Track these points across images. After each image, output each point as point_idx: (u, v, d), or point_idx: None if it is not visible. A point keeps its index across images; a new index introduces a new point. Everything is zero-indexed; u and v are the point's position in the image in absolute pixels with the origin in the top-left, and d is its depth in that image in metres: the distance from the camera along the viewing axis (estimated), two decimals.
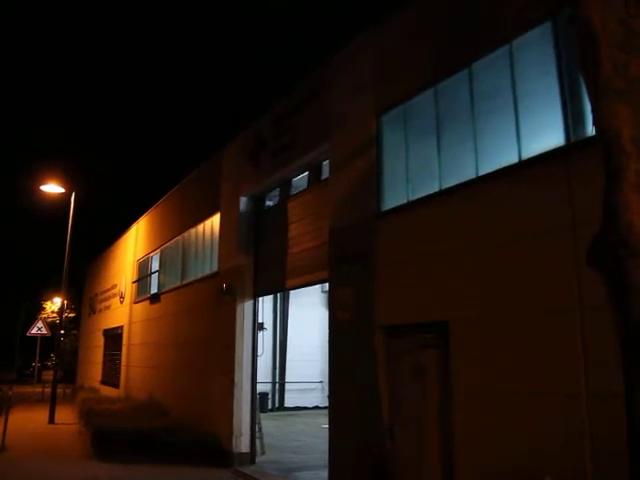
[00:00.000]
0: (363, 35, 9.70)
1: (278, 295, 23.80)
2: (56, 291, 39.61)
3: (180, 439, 12.91)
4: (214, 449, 12.59)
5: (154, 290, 19.74)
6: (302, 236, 11.48)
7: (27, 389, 29.66)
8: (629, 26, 3.31)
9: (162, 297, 18.71)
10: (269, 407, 22.31)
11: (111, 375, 24.56)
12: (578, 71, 5.31)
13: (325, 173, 10.72)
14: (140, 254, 22.28)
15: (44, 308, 46.19)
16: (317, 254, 10.67)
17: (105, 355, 26.57)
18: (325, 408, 10.99)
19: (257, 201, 13.54)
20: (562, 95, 6.09)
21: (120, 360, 22.91)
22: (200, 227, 16.17)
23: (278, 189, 12.77)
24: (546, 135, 6.28)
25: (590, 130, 5.56)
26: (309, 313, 22.94)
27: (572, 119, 5.97)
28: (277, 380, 23.36)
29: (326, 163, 10.52)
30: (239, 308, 13.00)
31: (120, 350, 23.05)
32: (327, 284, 10.22)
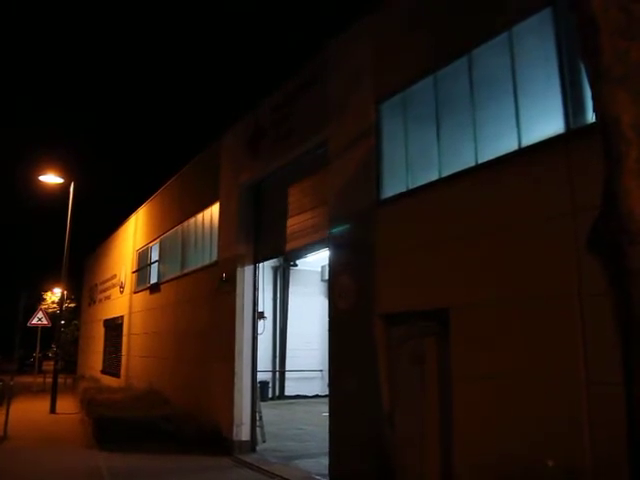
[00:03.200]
0: (362, 21, 9.63)
1: (278, 284, 23.85)
2: (56, 281, 39.64)
3: (181, 428, 12.99)
4: (215, 437, 12.66)
5: (154, 280, 19.75)
6: (301, 199, 11.59)
7: (28, 379, 29.73)
8: (630, 12, 3.28)
9: (162, 287, 18.73)
10: (269, 396, 22.39)
11: (112, 365, 24.63)
12: (578, 58, 5.28)
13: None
14: (140, 244, 22.27)
15: (44, 298, 46.22)
16: (316, 215, 10.74)
17: (105, 345, 26.63)
18: (325, 396, 11.05)
19: (256, 189, 13.51)
20: (562, 82, 6.06)
21: (120, 350, 22.96)
22: (199, 216, 16.15)
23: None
24: (546, 122, 6.26)
25: (590, 117, 5.55)
26: (309, 302, 22.99)
27: (572, 106, 5.95)
28: (277, 369, 23.42)
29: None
30: (239, 297, 13.00)
31: (120, 340, 23.10)
32: (327, 275, 10.23)
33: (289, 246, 12.10)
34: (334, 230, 9.70)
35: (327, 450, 9.43)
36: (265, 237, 13.12)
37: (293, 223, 11.82)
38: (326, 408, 9.83)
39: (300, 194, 11.69)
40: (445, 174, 7.50)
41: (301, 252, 12.82)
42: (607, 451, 5.09)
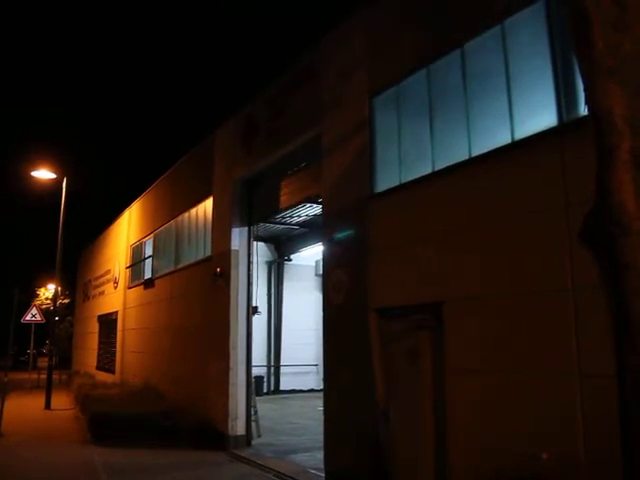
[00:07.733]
0: (356, 15, 9.60)
1: (272, 279, 23.85)
2: (50, 277, 39.56)
3: (176, 423, 12.99)
4: (210, 432, 12.67)
5: (148, 275, 19.71)
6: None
7: (23, 376, 29.66)
8: (622, 4, 3.28)
9: (156, 282, 18.68)
10: (265, 390, 22.46)
11: (106, 361, 24.58)
12: (571, 51, 5.28)
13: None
14: (133, 239, 22.21)
15: (38, 295, 46.05)
16: (310, 173, 10.91)
17: (100, 341, 26.57)
18: (320, 391, 11.10)
19: (250, 183, 13.48)
20: (555, 75, 6.05)
21: (115, 346, 22.91)
22: (193, 211, 16.11)
23: None
24: (539, 116, 6.25)
25: (583, 110, 5.54)
26: (303, 296, 23.02)
27: (565, 99, 5.95)
28: (272, 363, 23.48)
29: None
30: (233, 292, 12.99)
31: (115, 336, 23.04)
32: (321, 269, 10.23)
33: (282, 206, 12.50)
34: (328, 225, 9.69)
35: (322, 444, 9.45)
36: (259, 209, 13.40)
37: (286, 184, 12.18)
38: (321, 402, 9.85)
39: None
40: (438, 168, 7.49)
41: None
42: (601, 443, 5.11)
